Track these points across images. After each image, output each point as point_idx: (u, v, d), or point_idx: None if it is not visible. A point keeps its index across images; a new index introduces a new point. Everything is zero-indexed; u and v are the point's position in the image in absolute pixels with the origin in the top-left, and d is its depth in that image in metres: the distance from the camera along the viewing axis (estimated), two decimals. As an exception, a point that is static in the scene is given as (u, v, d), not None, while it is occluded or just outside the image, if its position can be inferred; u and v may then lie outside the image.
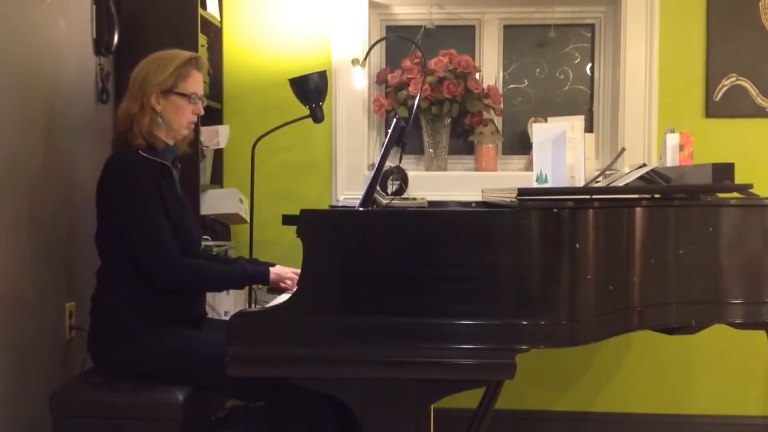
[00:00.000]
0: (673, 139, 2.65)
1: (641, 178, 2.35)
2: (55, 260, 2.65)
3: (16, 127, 2.42)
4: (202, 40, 3.18)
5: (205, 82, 3.22)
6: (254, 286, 3.11)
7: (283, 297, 2.20)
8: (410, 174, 3.24)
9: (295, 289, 2.29)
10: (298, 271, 2.38)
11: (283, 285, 2.41)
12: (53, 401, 2.26)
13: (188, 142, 2.54)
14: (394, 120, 2.41)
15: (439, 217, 1.94)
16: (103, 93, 2.97)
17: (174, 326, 2.33)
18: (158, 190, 2.31)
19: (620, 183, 2.30)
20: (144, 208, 2.26)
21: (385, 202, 2.63)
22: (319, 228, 1.90)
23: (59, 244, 2.68)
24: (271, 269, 2.40)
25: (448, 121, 3.53)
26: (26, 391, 2.47)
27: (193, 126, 2.46)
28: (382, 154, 2.27)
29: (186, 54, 2.42)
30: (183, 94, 2.38)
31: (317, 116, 3.14)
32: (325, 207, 3.40)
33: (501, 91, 3.59)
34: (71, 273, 2.74)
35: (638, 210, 2.10)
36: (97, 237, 2.38)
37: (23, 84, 2.47)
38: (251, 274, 2.38)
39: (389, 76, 3.53)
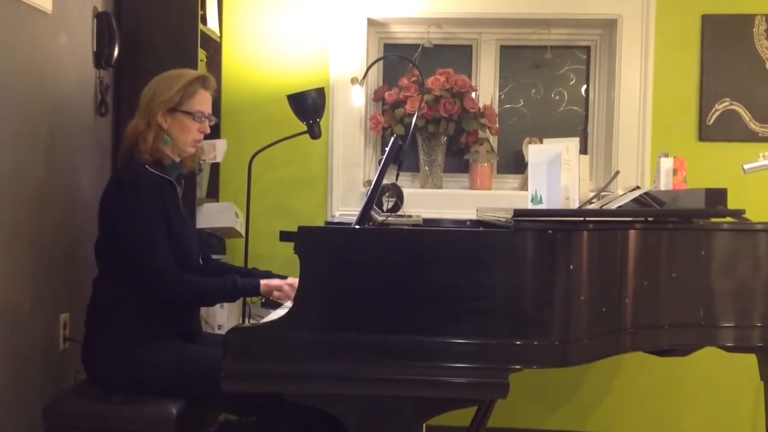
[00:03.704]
0: (667, 163, 2.68)
1: (635, 200, 2.38)
2: (52, 271, 2.66)
3: (16, 138, 2.44)
4: (202, 55, 3.20)
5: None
6: (248, 300, 3.12)
7: (279, 312, 2.22)
8: (406, 191, 3.25)
9: (287, 302, 2.34)
10: (290, 281, 2.41)
11: (276, 294, 2.40)
12: (46, 413, 2.26)
13: (195, 160, 2.56)
14: (392, 138, 2.43)
15: (436, 237, 1.95)
16: (102, 106, 2.99)
17: (168, 339, 2.34)
18: (161, 205, 2.33)
19: (614, 205, 2.32)
20: (144, 220, 2.28)
21: (380, 219, 2.64)
22: (316, 245, 1.92)
23: (57, 256, 2.69)
24: (262, 281, 2.38)
25: (444, 139, 3.55)
26: (19, 402, 2.46)
27: (199, 144, 2.48)
28: (380, 173, 2.29)
29: (194, 73, 2.46)
30: (188, 113, 2.40)
31: (314, 132, 3.16)
32: (321, 223, 3.41)
33: (497, 111, 3.63)
34: (67, 284, 2.75)
35: (632, 233, 2.12)
36: (96, 246, 2.40)
37: (24, 96, 2.49)
38: (242, 287, 2.36)
39: (386, 93, 3.56)
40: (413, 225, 2.70)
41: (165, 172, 2.40)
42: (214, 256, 3.24)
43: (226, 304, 3.14)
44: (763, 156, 2.52)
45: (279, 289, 2.37)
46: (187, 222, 2.51)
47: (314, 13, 3.52)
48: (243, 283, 2.36)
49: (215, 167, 3.49)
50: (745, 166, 2.51)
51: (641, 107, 3.47)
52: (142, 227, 2.28)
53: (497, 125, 3.59)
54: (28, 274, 2.51)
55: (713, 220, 2.39)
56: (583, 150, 3.59)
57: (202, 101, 2.44)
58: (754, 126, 3.44)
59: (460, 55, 3.71)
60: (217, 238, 3.44)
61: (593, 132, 3.67)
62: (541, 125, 3.69)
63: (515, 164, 3.71)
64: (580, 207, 2.26)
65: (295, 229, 1.92)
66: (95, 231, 2.40)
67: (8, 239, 2.40)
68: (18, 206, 2.46)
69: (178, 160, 2.45)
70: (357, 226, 2.10)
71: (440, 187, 3.58)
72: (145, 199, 2.29)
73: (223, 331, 2.68)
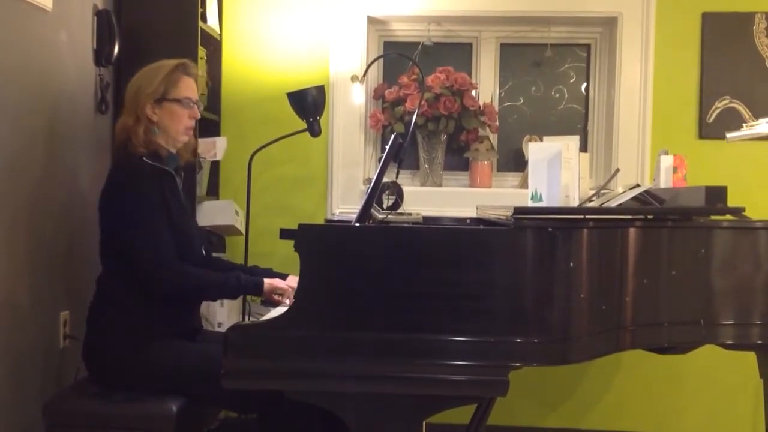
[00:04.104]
0: (666, 161, 2.68)
1: (635, 198, 2.38)
2: (52, 269, 2.66)
3: (17, 135, 2.44)
4: (202, 52, 3.20)
5: (203, 94, 3.24)
6: (248, 298, 3.12)
7: (279, 310, 2.22)
8: (406, 189, 3.26)
9: (287, 302, 2.34)
10: (292, 282, 2.41)
11: (276, 297, 2.41)
12: (46, 410, 2.26)
13: (191, 151, 2.56)
14: (392, 136, 2.43)
15: (436, 234, 1.95)
16: (103, 103, 2.99)
17: (169, 338, 2.34)
18: (161, 196, 2.33)
19: (614, 203, 2.32)
20: (144, 212, 2.28)
21: (380, 216, 2.65)
22: (316, 243, 1.91)
23: (57, 253, 2.69)
24: (266, 280, 2.39)
25: (444, 137, 3.56)
26: (19, 400, 2.47)
27: (191, 132, 2.48)
28: (380, 170, 2.29)
29: (173, 61, 2.45)
30: (176, 100, 2.40)
31: (314, 130, 3.17)
32: (321, 221, 3.41)
33: (497, 109, 3.63)
34: (67, 282, 2.75)
35: (632, 230, 2.12)
36: (100, 245, 2.40)
37: (25, 93, 2.49)
38: (245, 284, 2.37)
39: (386, 91, 3.56)
40: (413, 223, 2.71)
41: (163, 163, 2.40)
42: (214, 254, 3.24)
43: (226, 302, 3.14)
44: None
45: (282, 292, 2.38)
46: (189, 212, 2.51)
47: (314, 11, 3.52)
48: (246, 281, 2.37)
49: (215, 165, 3.49)
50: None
51: (641, 105, 3.47)
52: (143, 222, 2.27)
53: (497, 123, 3.59)
54: (28, 272, 2.52)
55: (713, 218, 2.39)
56: (583, 148, 3.60)
57: (188, 87, 2.44)
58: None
59: (460, 53, 3.71)
60: (218, 236, 3.44)
61: (593, 130, 3.67)
62: (541, 123, 3.69)
63: (515, 162, 3.71)
64: (580, 205, 2.26)
65: (296, 227, 1.92)
66: (95, 229, 2.40)
67: (8, 237, 2.40)
68: (18, 204, 2.46)
69: (174, 151, 2.45)
70: (357, 224, 2.10)
71: (440, 185, 3.59)
72: (144, 193, 2.29)
73: (223, 329, 2.68)
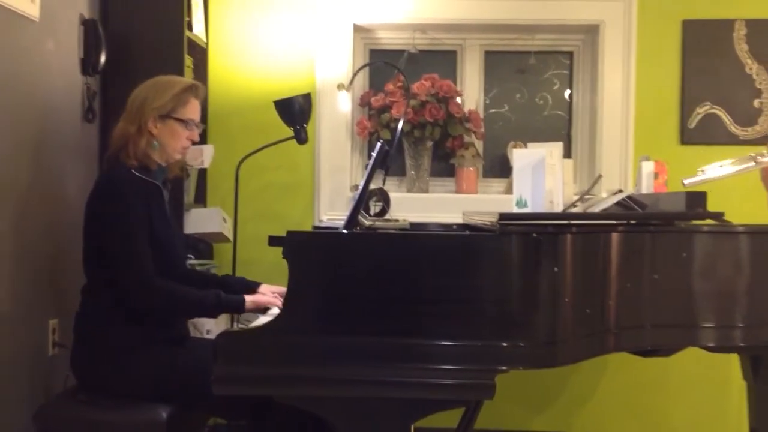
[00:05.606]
0: (648, 167, 2.71)
1: (618, 203, 2.41)
2: (40, 277, 2.66)
3: (3, 144, 2.44)
4: (188, 61, 3.22)
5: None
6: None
7: (269, 317, 2.24)
8: (392, 195, 3.28)
9: (277, 306, 2.35)
10: (276, 293, 2.42)
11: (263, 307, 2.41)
12: (36, 419, 2.26)
13: (180, 166, 2.57)
14: (378, 144, 2.46)
15: (423, 241, 1.98)
16: (89, 112, 3.00)
17: (157, 345, 2.35)
18: (146, 209, 2.33)
19: (597, 208, 2.35)
20: (127, 225, 2.27)
21: (368, 223, 2.67)
22: (305, 249, 1.94)
23: (44, 261, 2.69)
24: (247, 298, 2.36)
25: (430, 144, 3.58)
26: (8, 408, 2.47)
27: (186, 151, 2.49)
28: (366, 178, 2.31)
29: (186, 81, 2.47)
30: (180, 120, 2.41)
31: (301, 138, 3.18)
32: (308, 227, 3.43)
33: (482, 116, 3.66)
34: (55, 290, 2.75)
35: (615, 235, 2.15)
36: (84, 254, 2.40)
37: (11, 102, 2.49)
38: (225, 302, 2.33)
39: (372, 99, 3.58)
40: (400, 229, 2.73)
41: (151, 176, 2.40)
42: (201, 261, 3.25)
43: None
44: (701, 171, 2.56)
45: (265, 304, 2.38)
46: (173, 227, 2.51)
47: (300, 20, 3.55)
48: (227, 299, 2.33)
49: (202, 173, 3.50)
50: (685, 181, 2.56)
51: (624, 111, 3.51)
52: (124, 234, 2.27)
53: (482, 130, 3.62)
54: (16, 280, 2.52)
55: (695, 222, 2.42)
56: (567, 154, 3.63)
57: (194, 109, 2.46)
58: (734, 129, 3.49)
59: (445, 61, 3.74)
60: (205, 244, 3.45)
61: (577, 136, 3.71)
62: (526, 129, 3.73)
63: (500, 168, 3.75)
64: (564, 210, 2.29)
65: (283, 234, 1.94)
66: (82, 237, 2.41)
67: (-4, 245, 2.41)
68: (5, 212, 2.46)
69: (164, 164, 2.46)
70: (345, 231, 2.12)
71: (427, 191, 3.61)
72: (129, 206, 2.28)
73: (211, 336, 2.69)
